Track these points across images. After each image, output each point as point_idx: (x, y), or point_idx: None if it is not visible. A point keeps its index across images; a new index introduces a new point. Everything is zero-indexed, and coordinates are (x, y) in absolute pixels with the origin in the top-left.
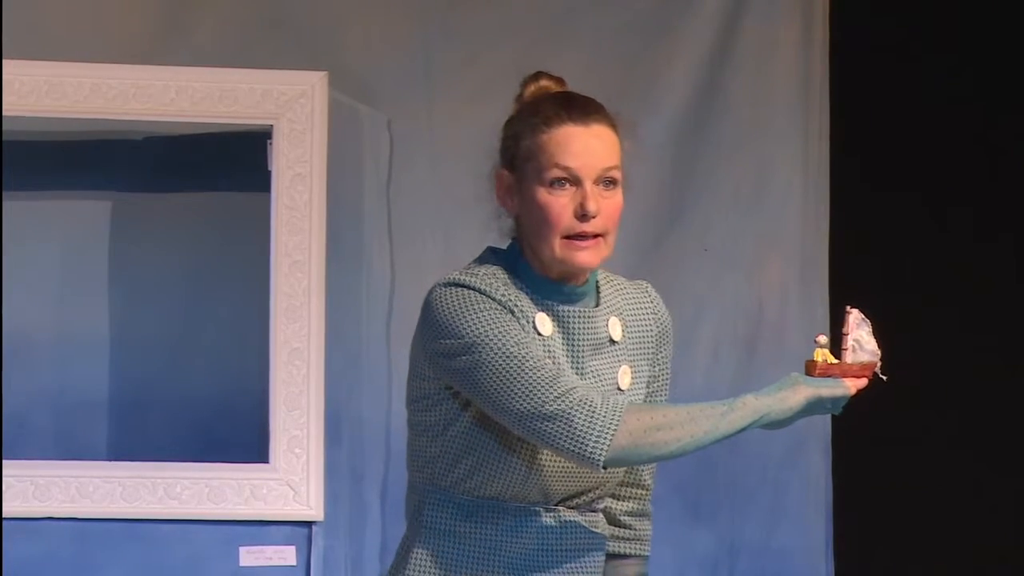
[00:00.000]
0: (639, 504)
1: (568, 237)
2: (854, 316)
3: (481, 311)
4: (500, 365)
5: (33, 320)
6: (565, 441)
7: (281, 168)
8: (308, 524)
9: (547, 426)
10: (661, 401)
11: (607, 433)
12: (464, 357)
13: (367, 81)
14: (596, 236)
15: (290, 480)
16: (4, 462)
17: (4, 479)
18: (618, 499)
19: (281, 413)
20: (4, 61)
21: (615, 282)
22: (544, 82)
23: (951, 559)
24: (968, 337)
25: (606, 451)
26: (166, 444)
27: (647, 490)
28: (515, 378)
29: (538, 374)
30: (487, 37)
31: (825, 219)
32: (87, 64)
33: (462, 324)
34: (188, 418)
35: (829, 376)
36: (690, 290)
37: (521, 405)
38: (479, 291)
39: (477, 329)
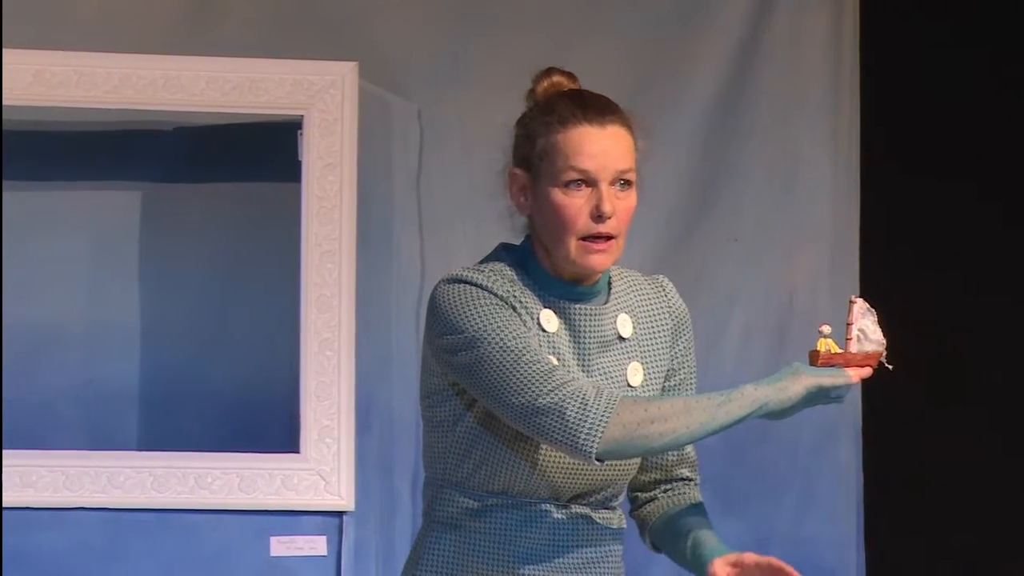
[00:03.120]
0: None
1: (584, 239)
2: (858, 306)
3: (482, 307)
4: (498, 359)
5: (64, 311)
6: (558, 434)
7: (311, 158)
8: (339, 514)
9: (541, 419)
10: (688, 394)
11: (599, 426)
12: (465, 352)
13: (397, 71)
14: (610, 238)
15: (321, 470)
16: (34, 452)
17: (36, 469)
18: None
19: (312, 403)
20: (35, 52)
21: (629, 278)
22: (556, 78)
23: (981, 548)
24: (1000, 326)
25: (598, 444)
26: (197, 434)
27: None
28: (511, 372)
29: (534, 368)
30: (517, 26)
31: (856, 209)
32: (117, 55)
33: (463, 320)
34: (219, 408)
35: (832, 365)
36: (720, 280)
37: (517, 399)
38: (481, 287)
39: (477, 324)
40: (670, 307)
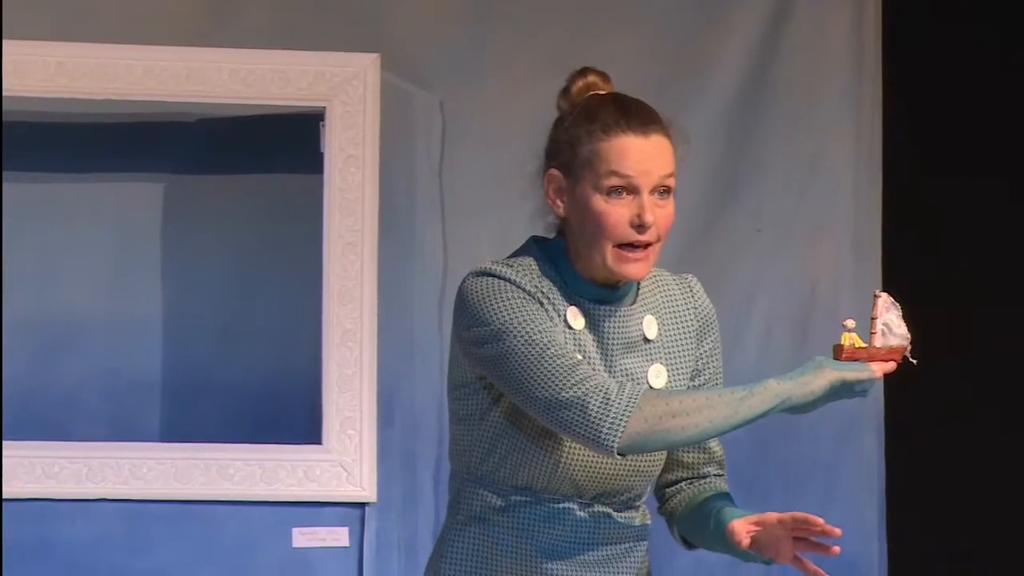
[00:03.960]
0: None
1: (620, 246)
2: (883, 300)
3: (508, 299)
4: (523, 352)
5: (86, 303)
6: (580, 428)
7: (333, 150)
8: (361, 505)
9: (564, 413)
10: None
11: (622, 420)
12: (491, 345)
13: (419, 63)
14: (647, 246)
15: (343, 461)
16: (57, 444)
17: (58, 461)
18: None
19: (334, 394)
20: (58, 44)
21: (658, 278)
22: (591, 78)
23: (1003, 541)
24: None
25: (619, 438)
26: (219, 425)
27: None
28: (536, 365)
29: (558, 362)
30: (540, 19)
31: (878, 200)
32: (139, 46)
33: (490, 312)
34: (241, 399)
35: (856, 360)
36: (743, 272)
37: (540, 392)
38: (509, 280)
39: (503, 317)
40: (696, 307)
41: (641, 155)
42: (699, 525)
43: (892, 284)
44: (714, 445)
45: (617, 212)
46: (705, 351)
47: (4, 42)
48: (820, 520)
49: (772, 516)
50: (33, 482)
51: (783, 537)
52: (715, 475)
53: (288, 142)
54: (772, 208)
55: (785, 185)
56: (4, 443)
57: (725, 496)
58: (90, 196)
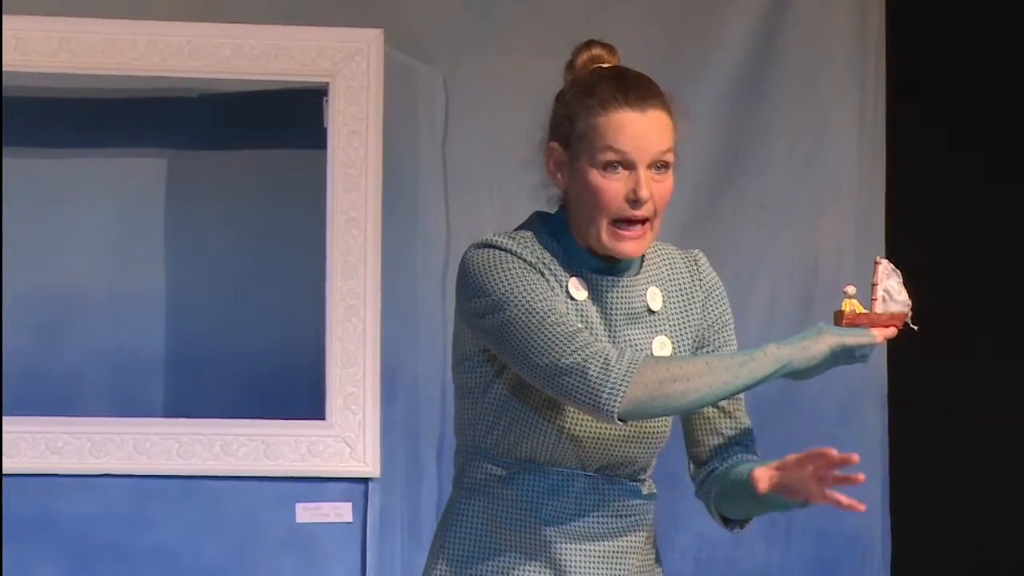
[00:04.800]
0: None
1: (616, 222)
2: (883, 266)
3: (509, 270)
4: (523, 321)
5: (90, 278)
6: (581, 394)
7: (337, 125)
8: (364, 481)
9: (565, 380)
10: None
11: (622, 385)
12: (492, 315)
13: (423, 38)
14: (644, 222)
15: (346, 437)
16: (60, 419)
17: (61, 436)
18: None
19: (337, 370)
20: (61, 19)
21: (664, 251)
22: (596, 51)
23: (1008, 515)
24: None
25: (619, 403)
26: (222, 401)
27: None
28: (536, 333)
29: (558, 329)
30: None
31: (881, 175)
32: (142, 21)
33: (491, 283)
34: (244, 375)
35: (857, 326)
36: (747, 247)
37: (541, 359)
38: (510, 251)
39: (504, 287)
40: (701, 280)
41: (637, 130)
42: (733, 493)
43: (896, 257)
44: (743, 417)
45: (613, 187)
46: (712, 321)
47: (7, 17)
48: (834, 451)
49: (791, 458)
50: (37, 457)
51: (808, 478)
52: (745, 453)
53: (291, 117)
54: (775, 183)
55: (789, 160)
56: (9, 418)
57: (754, 460)
58: (93, 172)
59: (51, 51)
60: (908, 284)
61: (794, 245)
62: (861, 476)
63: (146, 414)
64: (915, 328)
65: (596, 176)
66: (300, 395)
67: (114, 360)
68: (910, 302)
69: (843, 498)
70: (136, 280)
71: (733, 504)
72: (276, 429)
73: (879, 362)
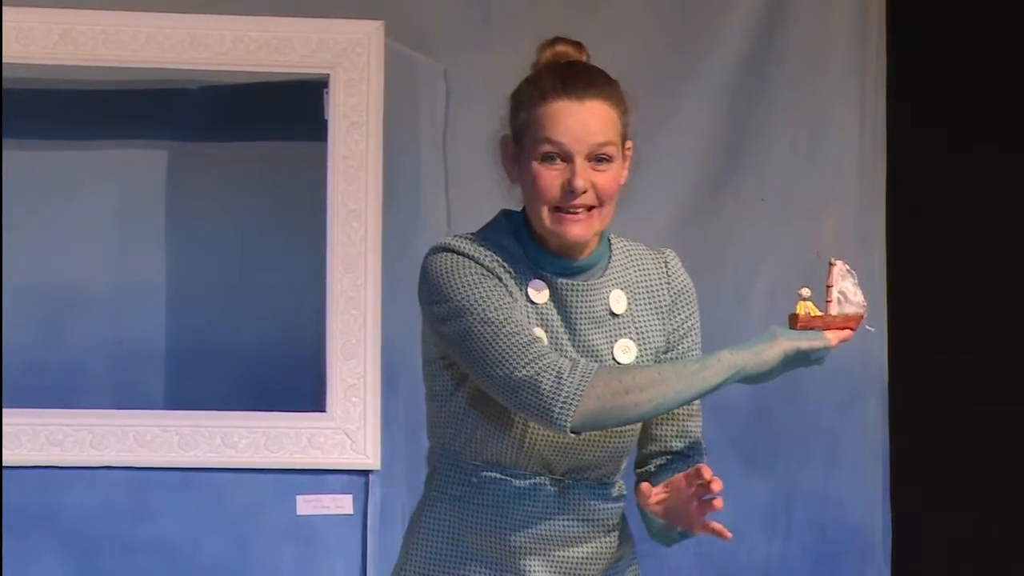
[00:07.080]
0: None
1: (557, 209)
2: (838, 268)
3: (466, 276)
4: (478, 331)
5: (90, 270)
6: (534, 408)
7: (337, 117)
8: (365, 473)
9: (519, 394)
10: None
11: (574, 398)
12: (451, 323)
13: (423, 30)
14: (590, 209)
15: (347, 429)
16: (61, 411)
17: (62, 428)
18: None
19: (338, 362)
20: (62, 11)
21: (632, 251)
22: (561, 48)
23: (1008, 509)
24: None
25: (571, 417)
26: (223, 393)
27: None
28: (491, 344)
29: (513, 339)
30: None
31: (882, 169)
32: (143, 13)
33: (448, 289)
34: (245, 367)
35: (811, 328)
36: (747, 240)
37: (496, 371)
38: (467, 255)
39: (461, 294)
40: (671, 283)
41: (573, 121)
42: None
43: (897, 251)
44: (691, 424)
45: (550, 177)
46: (676, 326)
47: (7, 9)
48: (706, 470)
49: (680, 478)
50: (37, 450)
51: (688, 500)
52: (684, 455)
53: (291, 109)
54: (776, 177)
55: (789, 154)
56: (9, 411)
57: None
58: (93, 163)
59: (52, 43)
60: (909, 278)
61: (795, 238)
62: (718, 503)
63: (147, 406)
64: (871, 329)
65: (536, 167)
66: (301, 387)
67: (115, 352)
68: (866, 303)
69: (717, 526)
70: (136, 272)
71: (645, 516)
72: (277, 421)
73: (879, 356)
